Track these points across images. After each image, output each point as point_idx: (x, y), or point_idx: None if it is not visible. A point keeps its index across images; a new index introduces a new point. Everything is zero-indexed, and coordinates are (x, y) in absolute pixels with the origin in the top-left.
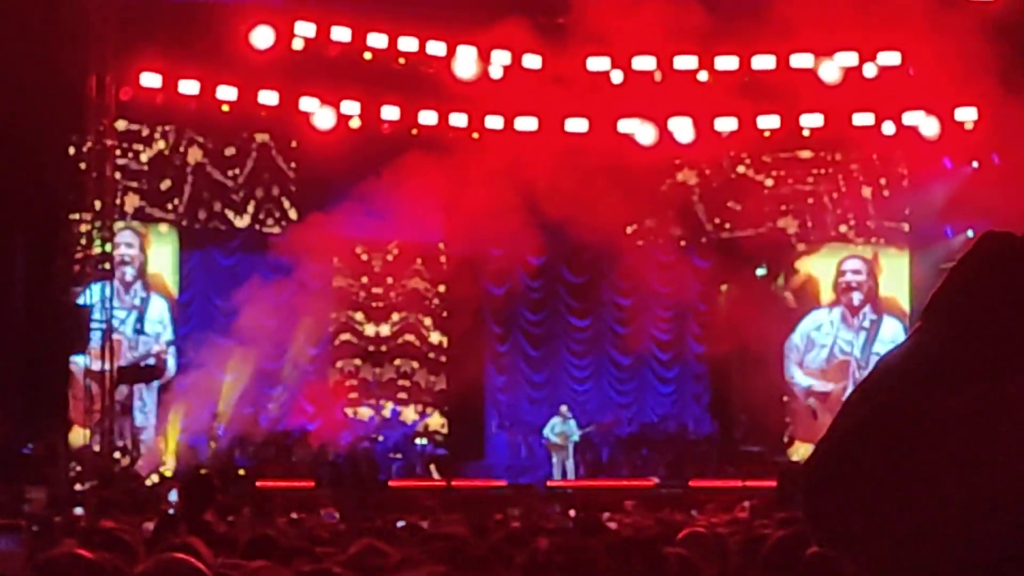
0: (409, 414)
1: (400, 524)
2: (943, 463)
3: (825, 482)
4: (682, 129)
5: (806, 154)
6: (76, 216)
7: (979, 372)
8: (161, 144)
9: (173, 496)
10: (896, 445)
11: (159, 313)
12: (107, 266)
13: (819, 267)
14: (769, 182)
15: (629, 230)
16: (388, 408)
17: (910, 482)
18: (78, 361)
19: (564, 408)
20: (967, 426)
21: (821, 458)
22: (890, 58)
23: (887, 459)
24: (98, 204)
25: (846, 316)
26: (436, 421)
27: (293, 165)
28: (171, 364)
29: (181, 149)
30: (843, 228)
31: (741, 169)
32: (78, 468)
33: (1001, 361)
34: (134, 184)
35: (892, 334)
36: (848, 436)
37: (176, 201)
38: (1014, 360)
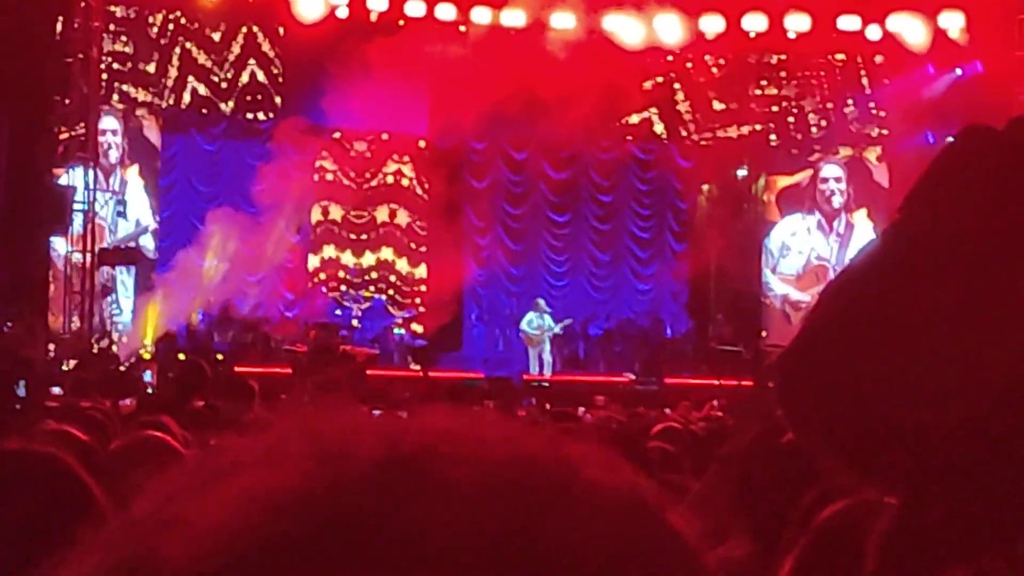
0: (388, 305)
1: (376, 414)
2: (924, 354)
3: (801, 372)
4: (668, 28)
5: (791, 57)
6: (60, 98)
7: (959, 265)
8: (147, 27)
9: (148, 377)
10: (875, 336)
11: (140, 197)
12: (90, 148)
13: (798, 170)
14: (753, 84)
15: (611, 127)
16: (367, 298)
17: (887, 373)
18: (59, 244)
19: (541, 302)
20: (952, 320)
21: (798, 349)
22: None
23: (865, 349)
24: (83, 86)
25: (822, 224)
26: (415, 313)
27: (279, 51)
28: (151, 248)
29: (167, 33)
30: (823, 132)
31: (722, 69)
32: (56, 348)
33: (981, 254)
34: (119, 67)
35: (866, 238)
36: (826, 327)
37: (161, 85)
38: (994, 253)
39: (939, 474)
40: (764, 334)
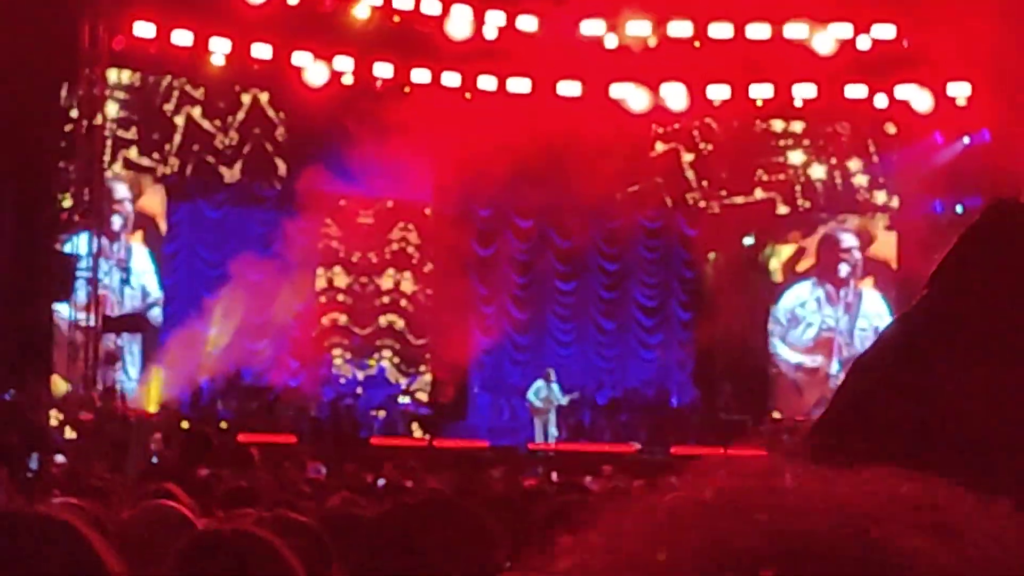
0: (393, 373)
1: (381, 483)
2: (952, 432)
3: (828, 448)
4: (675, 96)
5: (798, 125)
6: (64, 164)
7: (988, 341)
8: (152, 94)
9: (154, 445)
10: (903, 413)
11: (145, 265)
12: (95, 216)
13: (806, 239)
14: (760, 152)
15: (618, 195)
16: (372, 366)
17: (914, 450)
18: (63, 311)
19: (551, 372)
20: (981, 397)
21: (825, 424)
22: (885, 31)
23: (892, 426)
24: (87, 153)
25: (831, 293)
26: (420, 381)
27: (284, 118)
28: (156, 316)
29: (172, 100)
30: (831, 200)
31: (731, 138)
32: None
33: (1010, 329)
34: (123, 134)
35: (874, 308)
36: (854, 403)
37: (166, 152)
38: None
39: None
40: (774, 409)
